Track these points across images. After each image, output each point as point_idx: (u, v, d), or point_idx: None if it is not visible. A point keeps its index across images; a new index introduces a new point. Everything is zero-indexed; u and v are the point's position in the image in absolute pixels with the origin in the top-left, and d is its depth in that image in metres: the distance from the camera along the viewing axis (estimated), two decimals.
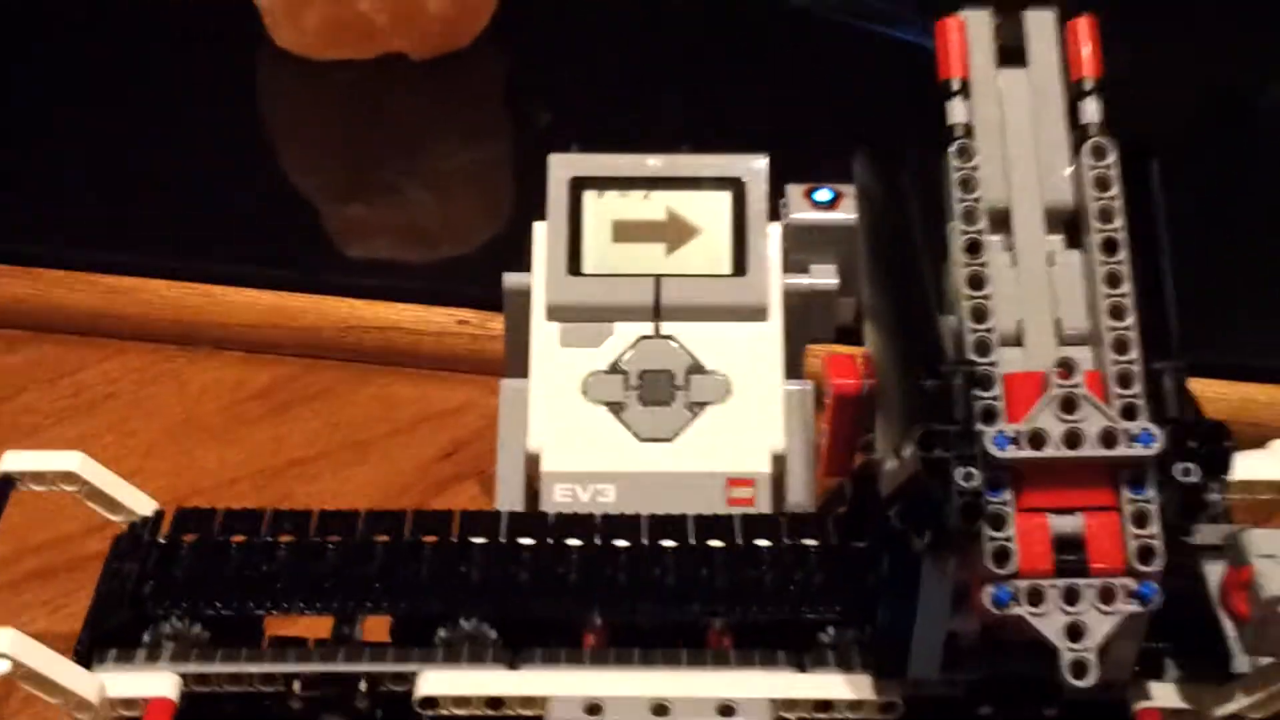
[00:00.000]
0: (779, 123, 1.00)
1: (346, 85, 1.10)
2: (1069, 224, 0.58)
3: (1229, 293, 0.92)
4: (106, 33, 1.14)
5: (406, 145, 1.06)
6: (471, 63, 1.12)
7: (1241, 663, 0.58)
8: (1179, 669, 0.59)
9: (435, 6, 1.08)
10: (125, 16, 1.15)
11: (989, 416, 0.53)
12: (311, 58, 1.10)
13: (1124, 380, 0.54)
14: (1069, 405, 0.53)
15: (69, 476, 0.63)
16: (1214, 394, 0.83)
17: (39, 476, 0.63)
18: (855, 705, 0.58)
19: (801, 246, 0.72)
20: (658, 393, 0.69)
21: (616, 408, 0.69)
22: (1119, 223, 0.56)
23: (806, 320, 0.72)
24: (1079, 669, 0.52)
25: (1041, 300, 0.57)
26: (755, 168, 0.72)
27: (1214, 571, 0.60)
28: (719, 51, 1.13)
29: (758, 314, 0.70)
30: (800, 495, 0.69)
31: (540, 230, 0.71)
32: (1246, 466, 0.65)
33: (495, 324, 0.87)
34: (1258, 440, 0.67)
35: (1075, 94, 0.59)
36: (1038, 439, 0.52)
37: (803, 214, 0.72)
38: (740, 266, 0.70)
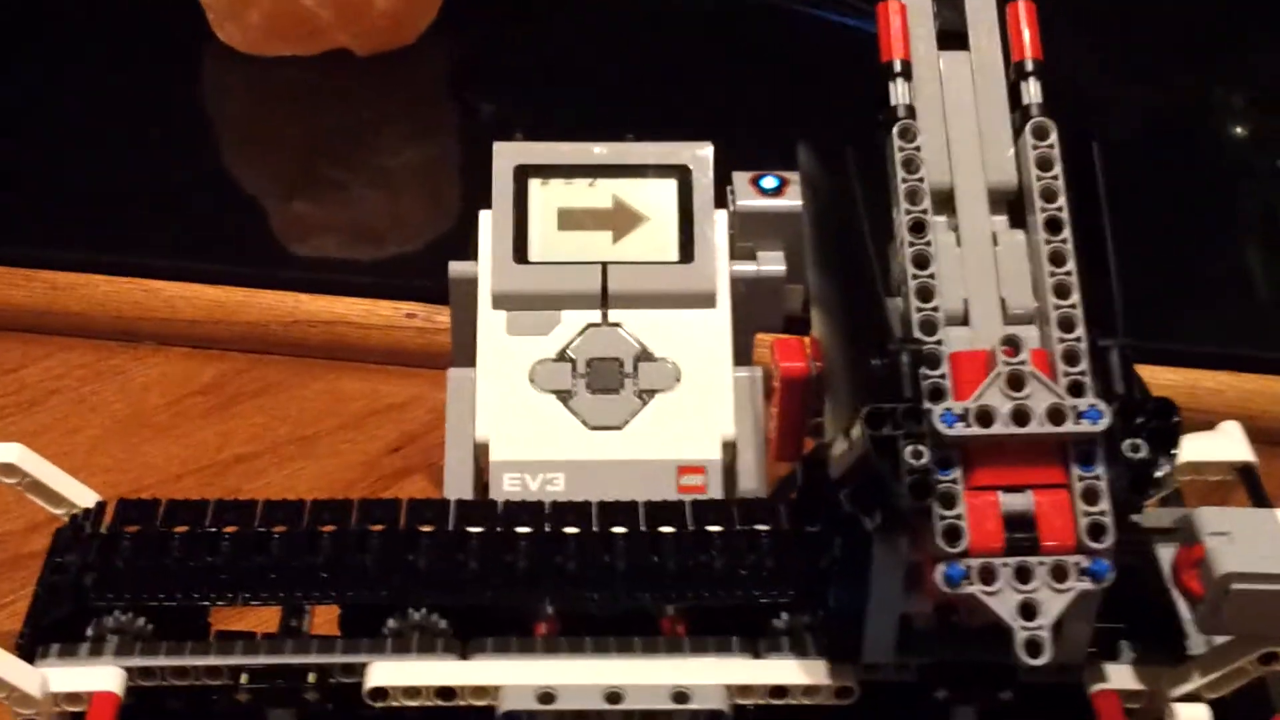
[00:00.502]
0: (723, 111, 1.00)
1: (291, 82, 1.09)
2: (1012, 204, 0.58)
3: (1177, 281, 0.92)
4: (48, 28, 1.13)
5: (352, 142, 1.05)
6: (417, 59, 1.12)
7: (1197, 643, 0.58)
8: (1134, 651, 0.59)
9: (381, 2, 1.07)
10: (67, 12, 1.14)
11: (936, 395, 0.53)
12: (256, 54, 1.09)
13: (1070, 358, 0.54)
14: (1016, 382, 0.53)
15: (8, 469, 0.62)
16: (1163, 381, 0.84)
17: None
18: (810, 690, 0.58)
19: (749, 234, 0.72)
20: (606, 380, 0.68)
21: (565, 396, 0.68)
22: (1062, 201, 0.56)
23: (754, 307, 0.72)
24: (1033, 648, 0.52)
25: (987, 279, 0.57)
26: (700, 155, 0.72)
27: (1166, 555, 0.60)
28: (664, 42, 1.13)
29: (706, 301, 0.70)
30: (752, 482, 0.68)
31: (486, 218, 0.71)
32: (1195, 448, 0.66)
33: (443, 317, 0.86)
34: (1207, 426, 0.67)
35: (1016, 76, 0.59)
36: (985, 416, 0.52)
37: (749, 201, 0.72)
38: (687, 253, 0.70)
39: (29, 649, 0.58)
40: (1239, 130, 1.09)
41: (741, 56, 1.10)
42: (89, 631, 0.59)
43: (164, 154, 1.02)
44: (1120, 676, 0.58)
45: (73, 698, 0.57)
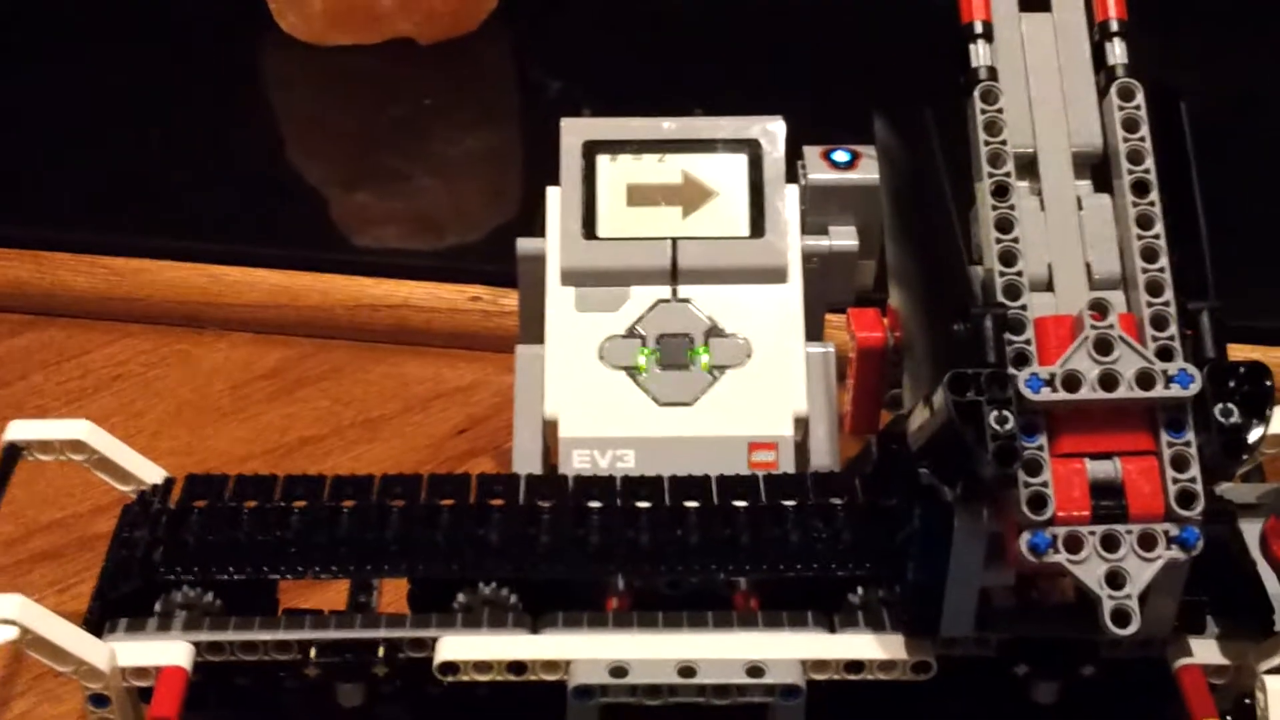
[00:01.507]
0: (794, 84, 0.99)
1: (352, 71, 1.08)
2: (1096, 168, 0.57)
3: (1262, 258, 0.90)
4: (113, 18, 1.13)
5: (414, 131, 1.05)
6: (479, 47, 1.11)
7: None
8: (1219, 625, 0.58)
9: None
10: (134, 2, 1.14)
11: (1021, 360, 0.52)
12: (317, 43, 1.09)
13: (1159, 323, 0.53)
14: (1104, 347, 0.51)
15: (77, 445, 0.62)
16: (1239, 357, 0.81)
17: (46, 445, 0.62)
18: (887, 665, 0.57)
19: (820, 208, 0.71)
20: (676, 356, 0.67)
21: (634, 372, 0.67)
22: (1149, 164, 0.55)
23: (826, 283, 0.70)
24: (1121, 617, 0.50)
25: (1071, 244, 0.56)
26: (771, 129, 0.71)
27: (1250, 531, 0.59)
28: (732, 15, 1.11)
29: (777, 276, 0.69)
30: (824, 459, 0.67)
31: (554, 195, 0.70)
32: None
33: (509, 300, 0.85)
34: None
35: (1100, 36, 0.57)
36: (1072, 381, 0.51)
37: (821, 175, 0.70)
38: (758, 228, 0.69)
39: (97, 623, 0.58)
40: None
41: (812, 28, 1.09)
42: (157, 607, 0.58)
43: (226, 143, 1.02)
44: (1205, 651, 0.57)
45: (140, 672, 0.57)
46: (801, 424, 0.67)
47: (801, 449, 0.67)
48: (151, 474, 0.63)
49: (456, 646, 0.57)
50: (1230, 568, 0.58)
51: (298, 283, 0.89)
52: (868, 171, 0.70)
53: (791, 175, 0.71)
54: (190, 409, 0.84)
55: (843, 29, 1.08)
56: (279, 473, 0.62)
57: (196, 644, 0.57)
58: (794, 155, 0.71)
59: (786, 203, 0.70)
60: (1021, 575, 0.57)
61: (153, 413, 0.83)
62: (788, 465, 0.66)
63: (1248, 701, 0.56)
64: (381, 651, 0.58)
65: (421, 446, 0.81)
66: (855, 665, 0.57)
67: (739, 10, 1.12)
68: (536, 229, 0.70)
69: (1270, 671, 0.55)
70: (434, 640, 0.57)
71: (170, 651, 0.57)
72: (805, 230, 0.70)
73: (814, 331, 0.69)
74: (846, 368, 0.67)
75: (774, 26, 1.10)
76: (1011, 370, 0.51)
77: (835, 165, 0.71)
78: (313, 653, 0.58)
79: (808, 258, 0.69)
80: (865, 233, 0.70)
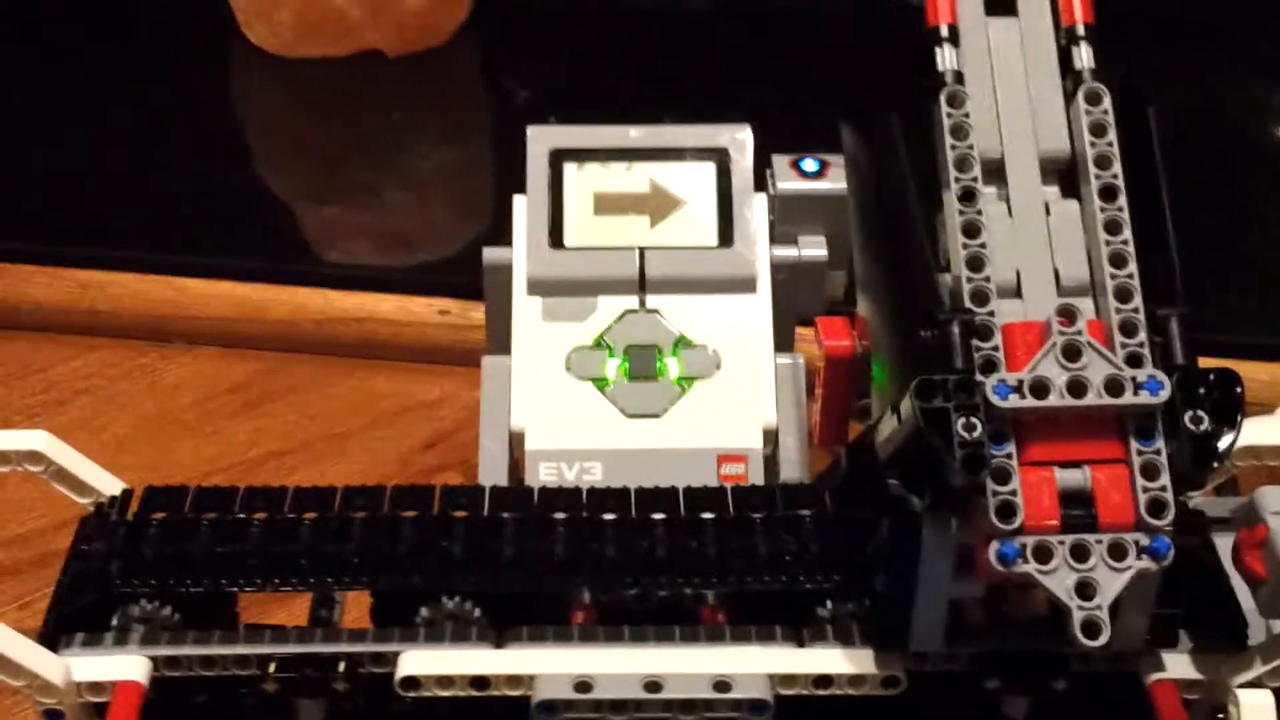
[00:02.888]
0: (761, 94, 0.98)
1: (321, 83, 1.08)
2: (1064, 174, 0.56)
3: (1227, 272, 0.90)
4: (79, 28, 1.12)
5: (383, 144, 1.04)
6: (448, 60, 1.10)
7: (1257, 631, 0.56)
8: (1192, 639, 0.57)
9: (412, 2, 1.06)
10: (98, 13, 1.13)
11: (989, 367, 0.51)
12: (285, 55, 1.08)
13: (1127, 329, 0.52)
14: (1072, 353, 0.51)
15: (34, 456, 0.61)
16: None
17: (3, 456, 0.61)
18: (856, 680, 0.56)
19: (789, 218, 0.70)
20: (644, 368, 0.67)
21: (602, 384, 0.66)
22: (1117, 168, 0.54)
23: (796, 293, 0.70)
24: (1091, 629, 0.50)
25: (1039, 249, 0.55)
26: (739, 138, 0.70)
27: (1223, 545, 0.58)
28: (699, 26, 1.11)
29: (746, 285, 0.68)
30: (794, 472, 0.66)
31: (520, 204, 0.69)
32: (1252, 432, 0.64)
33: (477, 313, 0.84)
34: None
35: (1066, 40, 0.57)
36: (1040, 388, 0.50)
37: (790, 184, 0.70)
38: (727, 237, 0.69)
39: (52, 638, 0.57)
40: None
41: (781, 37, 1.08)
42: (114, 621, 0.57)
43: (193, 154, 1.01)
44: (1178, 665, 0.56)
45: (96, 687, 0.55)
46: (771, 436, 0.66)
47: (771, 461, 0.66)
48: (110, 486, 0.62)
49: (418, 661, 0.56)
50: (1203, 580, 0.57)
51: (265, 296, 0.88)
52: (837, 181, 0.69)
53: (760, 184, 0.70)
54: (154, 423, 0.83)
55: (812, 38, 1.07)
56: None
57: (154, 659, 0.56)
58: (763, 164, 0.71)
59: (755, 212, 0.69)
60: (992, 588, 0.56)
61: (116, 427, 0.83)
62: (757, 478, 0.65)
63: (1220, 717, 0.55)
64: (342, 667, 0.56)
65: (389, 461, 0.81)
66: (824, 680, 0.56)
67: (708, 20, 1.11)
68: (505, 238, 0.70)
69: (1244, 686, 0.54)
70: (396, 655, 0.56)
71: (126, 666, 0.55)
72: (774, 240, 0.69)
73: (783, 342, 0.69)
74: (815, 380, 0.67)
75: (743, 36, 1.09)
76: (979, 377, 0.51)
77: (804, 174, 0.70)
78: (272, 668, 0.56)
79: (777, 268, 0.69)
80: (835, 243, 0.70)
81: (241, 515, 0.59)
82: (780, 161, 0.71)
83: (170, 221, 0.94)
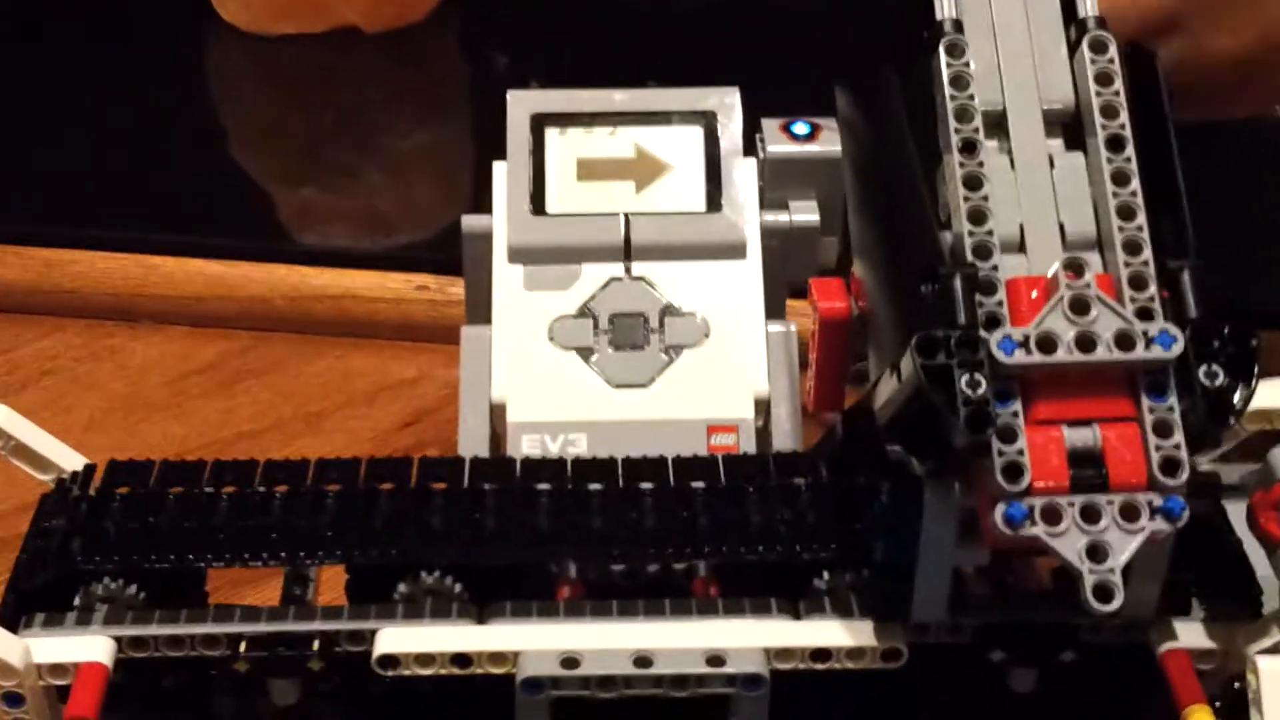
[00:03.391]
0: (749, 58, 0.96)
1: (296, 61, 1.05)
2: (1068, 126, 0.54)
3: (1244, 242, 0.87)
4: (47, 4, 1.09)
5: (361, 123, 1.02)
6: (427, 36, 1.08)
7: (1271, 598, 0.54)
8: (1205, 607, 0.55)
9: None
10: None
11: (992, 323, 0.49)
12: (259, 32, 1.06)
13: (1137, 283, 0.50)
14: (1080, 306, 0.48)
15: None
16: None
17: None
18: (855, 653, 0.54)
19: (780, 183, 0.68)
20: (630, 336, 0.64)
21: (586, 353, 0.64)
22: (1124, 118, 0.52)
23: (787, 259, 0.67)
24: (1103, 592, 0.47)
25: (1044, 203, 0.53)
26: (727, 101, 0.68)
27: (1235, 511, 0.56)
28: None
29: (735, 251, 0.66)
30: (787, 442, 0.64)
31: (500, 170, 0.67)
32: (1265, 395, 0.61)
33: (456, 289, 0.82)
34: None
35: None
36: (1048, 343, 0.48)
37: (780, 147, 0.68)
38: (715, 203, 0.66)
39: (12, 618, 0.54)
40: None
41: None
42: (77, 600, 0.55)
43: (162, 132, 0.98)
44: (1191, 634, 0.54)
45: (57, 669, 0.53)
46: (762, 406, 0.64)
47: (763, 433, 0.64)
48: (73, 462, 0.60)
49: (396, 638, 0.53)
50: (1215, 546, 0.55)
51: (236, 273, 0.85)
52: (829, 144, 0.67)
53: (750, 149, 0.68)
54: (123, 404, 0.80)
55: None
56: None
57: (118, 639, 0.53)
58: (752, 128, 0.68)
59: (744, 176, 0.67)
60: (996, 557, 0.54)
61: (83, 408, 0.80)
62: (749, 448, 0.62)
63: (1238, 685, 0.53)
64: (316, 645, 0.54)
65: (366, 440, 0.78)
66: (822, 653, 0.54)
67: None
68: (485, 205, 0.67)
69: (1263, 653, 0.52)
70: (373, 633, 0.54)
71: (89, 647, 0.53)
72: (764, 205, 0.67)
73: (775, 310, 0.66)
74: (808, 350, 0.65)
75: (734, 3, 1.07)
76: (983, 333, 0.48)
77: (795, 138, 0.68)
78: (243, 647, 0.54)
79: (767, 233, 0.66)
80: (827, 208, 0.68)
81: (209, 489, 0.56)
82: (770, 125, 0.68)
83: (139, 199, 0.92)
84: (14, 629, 0.53)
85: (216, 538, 0.54)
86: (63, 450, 0.60)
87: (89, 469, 0.59)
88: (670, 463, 0.58)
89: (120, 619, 0.54)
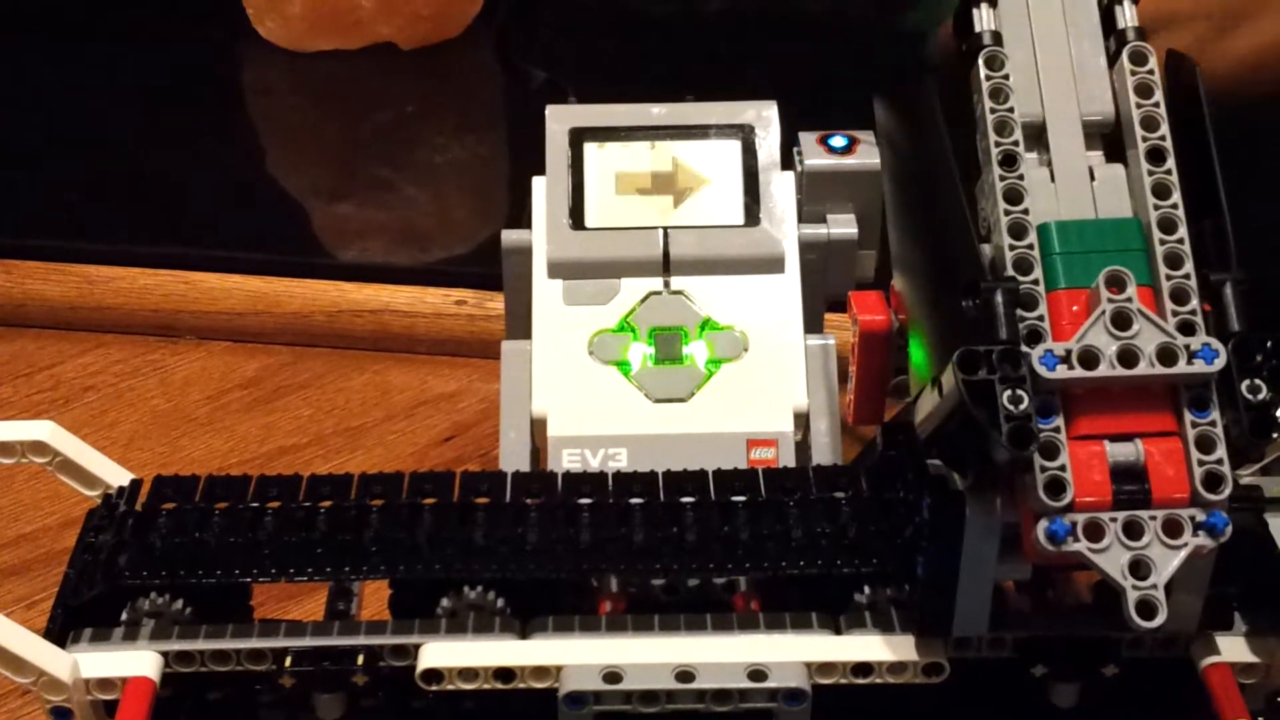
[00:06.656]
0: (787, 72, 0.96)
1: (334, 77, 1.06)
2: (1108, 137, 0.54)
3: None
4: (89, 23, 1.10)
5: (396, 137, 1.02)
6: (462, 52, 1.08)
7: None
8: (1247, 621, 0.54)
9: None
10: (109, 7, 1.11)
11: (1034, 338, 0.49)
12: (296, 49, 1.06)
13: (1179, 296, 0.50)
14: (1122, 321, 0.48)
15: (38, 447, 0.59)
16: None
17: (7, 448, 0.59)
18: (897, 668, 0.54)
19: (817, 196, 0.68)
20: (670, 351, 0.64)
21: (625, 368, 0.64)
22: (1164, 130, 0.52)
23: (825, 272, 0.67)
24: (1146, 609, 0.47)
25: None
26: (765, 114, 0.68)
27: (1278, 525, 0.55)
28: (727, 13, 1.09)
29: (773, 265, 0.66)
30: (826, 456, 0.64)
31: (540, 185, 0.67)
32: None
33: (495, 304, 0.83)
34: None
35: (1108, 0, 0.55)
36: (1090, 358, 0.48)
37: (818, 160, 0.67)
38: (753, 216, 0.66)
39: (60, 633, 0.55)
40: None
41: (807, 12, 1.06)
42: (124, 615, 0.55)
43: (202, 149, 0.99)
44: (1233, 648, 0.54)
45: (105, 684, 0.53)
46: (802, 419, 0.64)
47: (802, 446, 0.64)
48: (119, 478, 0.60)
49: (440, 653, 0.54)
50: (1258, 559, 0.55)
51: (276, 289, 0.86)
52: (866, 157, 0.67)
53: (787, 163, 0.68)
54: (165, 419, 0.81)
55: (838, 13, 1.05)
56: None
57: (164, 654, 0.54)
58: (789, 142, 0.68)
59: (782, 190, 0.67)
60: (1038, 572, 0.54)
61: (126, 423, 0.81)
62: (788, 462, 0.62)
63: None
64: (361, 659, 0.54)
65: (405, 455, 0.78)
66: (863, 668, 0.54)
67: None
68: (524, 221, 0.68)
69: None
70: (416, 647, 0.54)
71: (136, 662, 0.53)
72: (802, 219, 0.67)
73: (813, 323, 0.66)
74: (848, 364, 0.65)
75: (767, 11, 1.07)
76: (1024, 348, 0.48)
77: (832, 151, 0.68)
78: (288, 662, 0.54)
79: (805, 247, 0.66)
80: (865, 221, 0.68)
81: (254, 504, 0.57)
82: (807, 138, 0.68)
83: (180, 216, 0.92)
84: (62, 644, 0.54)
85: (262, 553, 0.55)
86: (108, 465, 0.60)
87: (135, 484, 0.59)
88: (711, 476, 0.58)
89: (167, 634, 0.54)
